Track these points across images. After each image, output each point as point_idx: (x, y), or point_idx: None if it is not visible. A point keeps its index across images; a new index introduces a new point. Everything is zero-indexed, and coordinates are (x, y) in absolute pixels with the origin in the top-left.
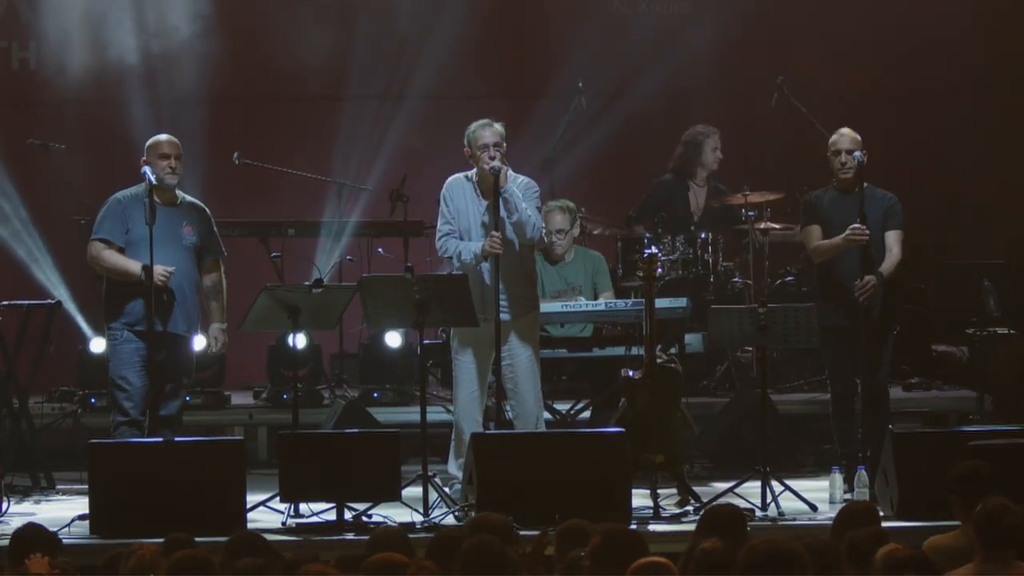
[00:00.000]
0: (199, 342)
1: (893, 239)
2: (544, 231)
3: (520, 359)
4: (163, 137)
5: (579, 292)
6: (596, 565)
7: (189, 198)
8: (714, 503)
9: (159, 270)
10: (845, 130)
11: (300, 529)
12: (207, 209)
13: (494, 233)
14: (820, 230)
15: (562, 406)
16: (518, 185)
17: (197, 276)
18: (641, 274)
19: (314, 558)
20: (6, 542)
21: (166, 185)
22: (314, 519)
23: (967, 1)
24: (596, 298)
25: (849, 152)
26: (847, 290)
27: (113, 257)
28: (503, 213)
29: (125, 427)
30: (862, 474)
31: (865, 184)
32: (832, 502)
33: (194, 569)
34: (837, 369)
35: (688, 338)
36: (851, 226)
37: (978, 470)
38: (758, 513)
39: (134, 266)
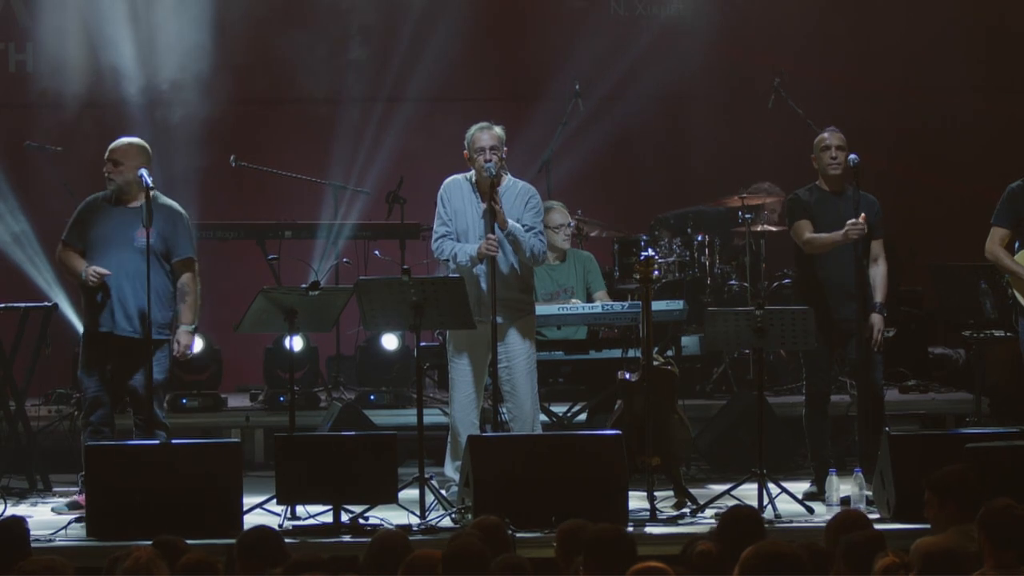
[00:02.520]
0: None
1: (879, 248)
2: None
3: (517, 361)
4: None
5: (571, 294)
6: (587, 567)
7: (163, 200)
8: (734, 505)
9: (91, 271)
10: (833, 128)
11: (297, 531)
12: (179, 210)
13: (490, 235)
14: (811, 224)
15: (559, 408)
16: (517, 191)
17: (159, 279)
18: (638, 276)
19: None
20: None
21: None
22: (311, 521)
23: (966, 0)
24: (590, 298)
25: (839, 148)
26: (832, 289)
27: (69, 260)
28: (502, 232)
29: (90, 427)
30: (859, 476)
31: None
32: (829, 504)
33: (200, 571)
34: (817, 370)
35: (685, 340)
36: (849, 221)
37: (961, 474)
38: None
39: (80, 268)
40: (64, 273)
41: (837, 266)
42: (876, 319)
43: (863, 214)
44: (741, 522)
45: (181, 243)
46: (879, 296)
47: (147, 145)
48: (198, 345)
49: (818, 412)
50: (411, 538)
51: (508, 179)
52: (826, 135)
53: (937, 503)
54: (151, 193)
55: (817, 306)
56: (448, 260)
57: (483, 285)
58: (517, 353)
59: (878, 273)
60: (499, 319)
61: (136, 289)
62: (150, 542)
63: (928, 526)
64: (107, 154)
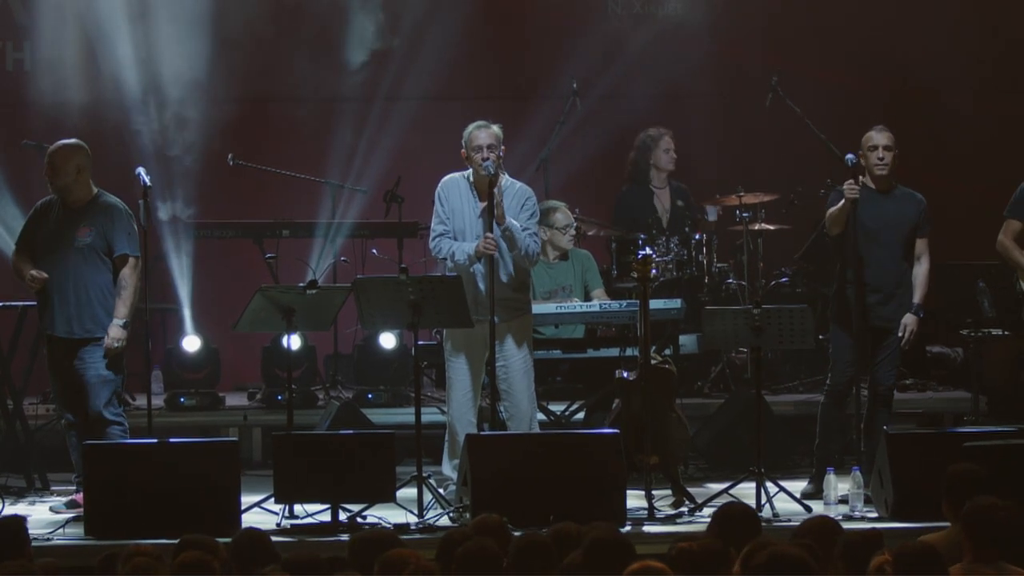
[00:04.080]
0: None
1: (923, 247)
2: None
3: (514, 360)
4: None
5: (570, 292)
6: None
7: (107, 198)
8: (728, 502)
9: (29, 276)
10: (881, 127)
11: (295, 530)
12: (119, 207)
13: (488, 235)
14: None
15: (557, 407)
16: (514, 192)
17: (101, 277)
18: (636, 275)
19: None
20: None
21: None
22: (309, 520)
23: (966, 0)
24: (587, 297)
25: (887, 147)
26: (870, 290)
27: (18, 264)
28: (498, 227)
29: (64, 424)
30: (857, 475)
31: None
32: (827, 503)
33: (196, 570)
34: (842, 364)
35: (682, 339)
36: (847, 182)
37: (969, 472)
38: None
39: (25, 273)
40: (16, 279)
41: (876, 267)
42: (910, 319)
43: (853, 179)
44: (734, 519)
45: (119, 239)
46: (917, 296)
47: (82, 144)
48: (195, 344)
49: (836, 406)
50: (408, 536)
51: (505, 179)
52: (873, 134)
53: (949, 501)
54: (95, 191)
55: (854, 306)
56: (446, 259)
57: (480, 284)
58: (513, 352)
59: (920, 272)
60: (495, 318)
61: (77, 289)
62: (147, 540)
63: (925, 525)
64: (45, 159)
